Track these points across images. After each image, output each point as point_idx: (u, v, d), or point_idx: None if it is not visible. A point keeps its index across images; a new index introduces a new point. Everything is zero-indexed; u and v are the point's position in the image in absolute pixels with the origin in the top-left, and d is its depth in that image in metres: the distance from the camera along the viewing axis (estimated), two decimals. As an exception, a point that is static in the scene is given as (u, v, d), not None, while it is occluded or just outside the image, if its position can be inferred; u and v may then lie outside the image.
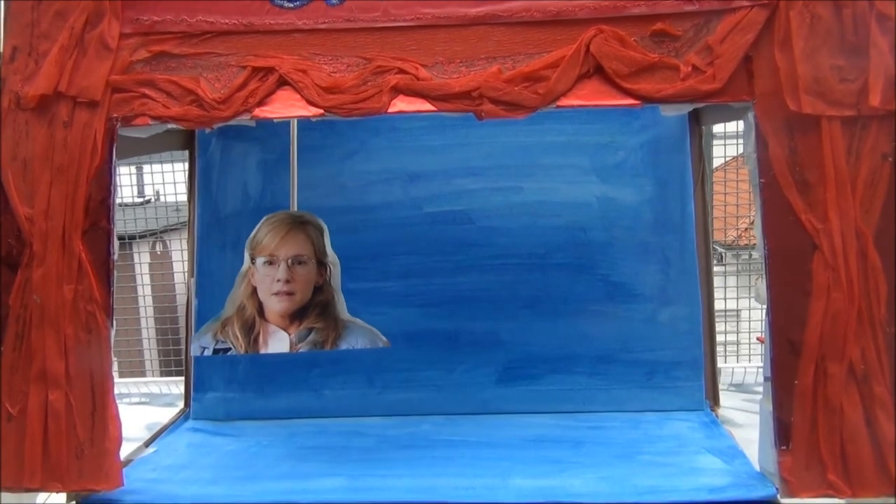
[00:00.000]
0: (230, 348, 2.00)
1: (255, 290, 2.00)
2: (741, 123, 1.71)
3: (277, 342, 1.99)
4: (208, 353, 2.01)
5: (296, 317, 2.00)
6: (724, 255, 3.79)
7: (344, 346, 2.00)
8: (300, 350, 2.00)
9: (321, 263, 2.01)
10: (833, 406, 1.57)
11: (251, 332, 2.00)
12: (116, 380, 1.79)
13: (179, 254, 3.38)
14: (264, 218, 2.02)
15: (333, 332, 2.00)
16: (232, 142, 2.36)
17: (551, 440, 2.10)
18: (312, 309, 2.00)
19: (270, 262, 1.98)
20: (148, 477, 1.90)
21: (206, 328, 2.02)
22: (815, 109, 1.54)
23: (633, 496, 1.72)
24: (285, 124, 2.12)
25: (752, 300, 2.99)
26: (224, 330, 2.00)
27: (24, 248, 1.66)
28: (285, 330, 2.00)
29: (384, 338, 2.01)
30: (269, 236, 1.98)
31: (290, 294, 1.98)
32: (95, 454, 1.67)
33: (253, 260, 2.00)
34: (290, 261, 1.97)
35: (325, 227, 2.02)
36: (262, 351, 2.01)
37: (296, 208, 2.11)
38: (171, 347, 3.59)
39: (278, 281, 1.97)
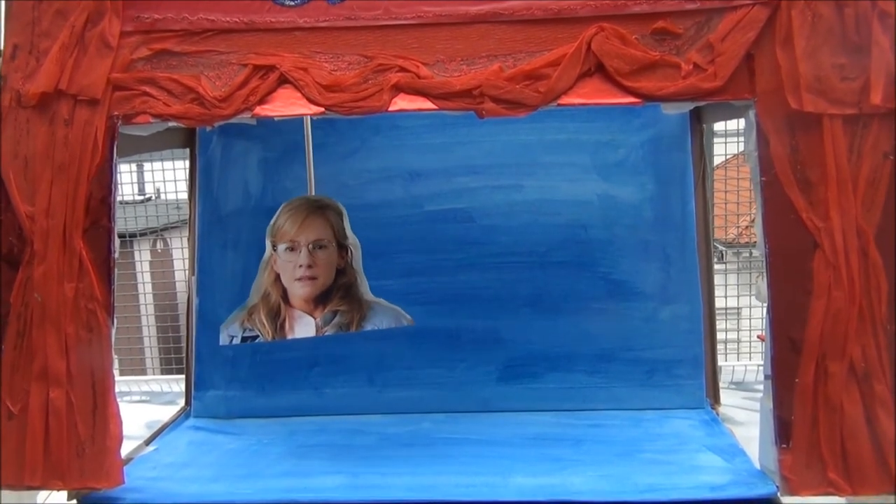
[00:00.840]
0: (258, 336, 2.02)
1: (278, 276, 2.02)
2: (742, 121, 1.71)
3: (303, 327, 2.02)
4: (237, 341, 2.04)
5: (320, 301, 2.03)
6: (724, 253, 3.79)
7: (369, 326, 2.03)
8: (326, 333, 2.01)
9: (342, 246, 2.03)
10: (833, 404, 1.57)
11: (277, 318, 2.02)
12: (117, 378, 1.79)
13: (180, 252, 3.38)
14: (283, 204, 2.04)
15: (358, 313, 2.03)
16: (233, 140, 2.36)
17: (552, 438, 2.10)
18: (336, 292, 2.03)
19: (292, 248, 2.00)
20: (149, 475, 1.90)
21: (234, 317, 2.05)
22: (817, 108, 1.54)
23: (633, 494, 1.72)
24: (287, 122, 2.12)
25: (753, 298, 2.98)
26: (251, 318, 2.03)
27: (25, 247, 1.66)
28: (310, 314, 2.03)
29: (408, 316, 2.03)
30: (289, 223, 2.00)
31: (312, 278, 2.01)
32: (96, 452, 1.67)
33: (274, 247, 2.01)
34: (310, 245, 2.00)
35: (344, 209, 2.03)
36: (289, 337, 2.03)
37: (313, 193, 2.12)
38: (171, 345, 3.59)
39: (300, 266, 2.00)
